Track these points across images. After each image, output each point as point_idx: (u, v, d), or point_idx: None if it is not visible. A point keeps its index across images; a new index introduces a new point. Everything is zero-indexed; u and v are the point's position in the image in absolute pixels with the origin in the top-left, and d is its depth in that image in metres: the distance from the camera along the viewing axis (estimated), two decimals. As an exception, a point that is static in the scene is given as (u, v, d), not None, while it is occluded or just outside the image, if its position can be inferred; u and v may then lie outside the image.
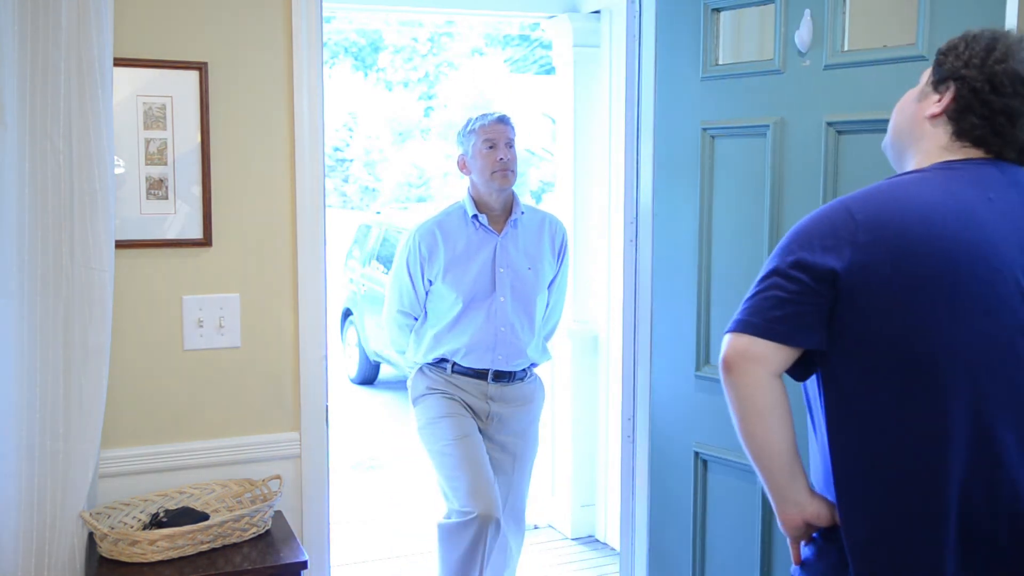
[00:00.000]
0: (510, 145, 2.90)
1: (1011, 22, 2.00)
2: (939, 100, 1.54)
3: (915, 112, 1.58)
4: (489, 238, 2.92)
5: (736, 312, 1.53)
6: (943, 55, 1.56)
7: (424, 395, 3.01)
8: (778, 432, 1.49)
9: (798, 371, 1.53)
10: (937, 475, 1.43)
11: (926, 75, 1.60)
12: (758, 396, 1.48)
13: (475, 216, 2.92)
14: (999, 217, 1.45)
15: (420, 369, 3.05)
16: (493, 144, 2.87)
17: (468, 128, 2.93)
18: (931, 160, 1.54)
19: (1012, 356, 1.44)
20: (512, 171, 2.88)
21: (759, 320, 1.48)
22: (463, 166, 2.95)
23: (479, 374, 2.94)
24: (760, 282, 1.51)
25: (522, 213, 2.97)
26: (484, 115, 2.96)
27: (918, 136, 1.57)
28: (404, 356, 3.16)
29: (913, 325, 1.42)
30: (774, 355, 1.48)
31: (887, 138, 1.66)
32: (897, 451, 1.45)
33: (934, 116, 1.54)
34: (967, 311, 1.41)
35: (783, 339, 1.47)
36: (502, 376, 2.95)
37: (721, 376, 1.52)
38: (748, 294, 1.53)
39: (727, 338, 1.52)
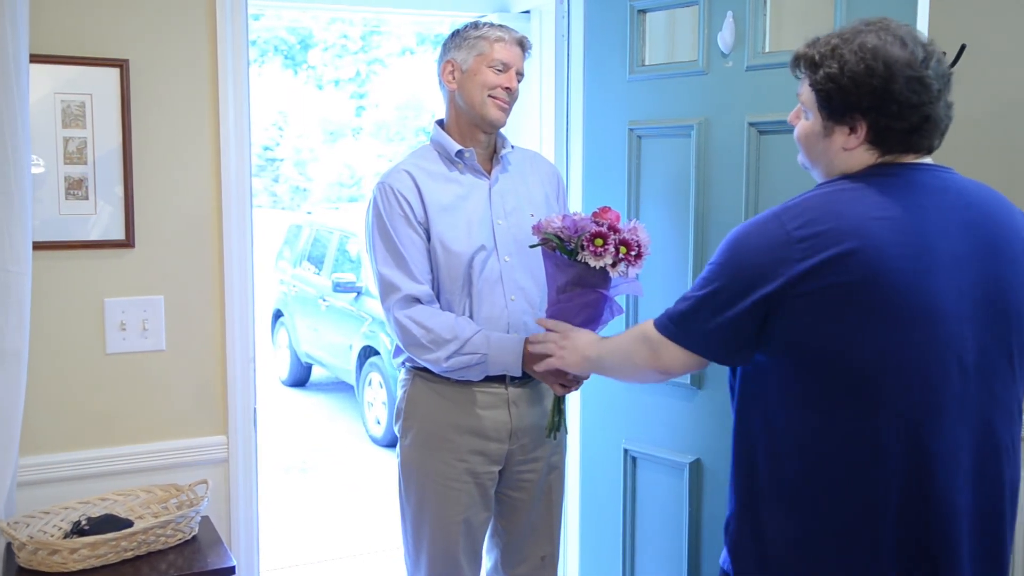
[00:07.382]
0: (520, 77, 2.25)
1: (923, 21, 2.06)
2: (851, 133, 1.48)
3: (827, 147, 1.52)
4: (479, 183, 2.24)
5: (674, 303, 1.59)
6: (823, 91, 1.47)
7: (419, 436, 2.22)
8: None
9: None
10: (871, 484, 1.43)
11: (809, 102, 1.52)
12: (647, 376, 1.71)
13: (460, 152, 2.23)
14: (933, 225, 1.44)
15: (412, 378, 2.25)
16: (506, 67, 2.21)
17: (477, 34, 2.22)
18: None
19: (948, 367, 1.42)
20: (510, 109, 2.25)
21: (686, 331, 1.57)
22: (450, 78, 2.23)
23: (493, 376, 2.19)
24: (699, 287, 1.53)
25: (511, 148, 2.32)
26: (500, 26, 2.26)
27: (841, 162, 1.51)
28: (447, 359, 2.13)
29: (846, 337, 1.41)
30: (686, 361, 1.60)
31: (804, 160, 1.59)
32: (831, 460, 1.45)
33: (853, 148, 1.49)
34: (903, 322, 1.40)
35: (703, 353, 1.57)
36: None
37: (630, 345, 1.72)
38: (687, 292, 1.56)
39: (652, 331, 1.62)
